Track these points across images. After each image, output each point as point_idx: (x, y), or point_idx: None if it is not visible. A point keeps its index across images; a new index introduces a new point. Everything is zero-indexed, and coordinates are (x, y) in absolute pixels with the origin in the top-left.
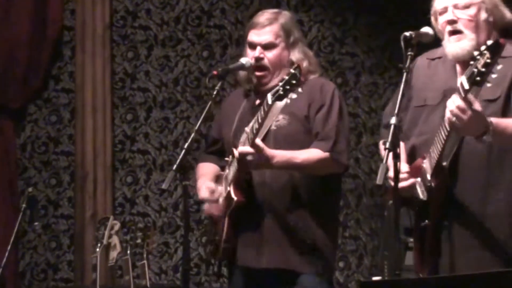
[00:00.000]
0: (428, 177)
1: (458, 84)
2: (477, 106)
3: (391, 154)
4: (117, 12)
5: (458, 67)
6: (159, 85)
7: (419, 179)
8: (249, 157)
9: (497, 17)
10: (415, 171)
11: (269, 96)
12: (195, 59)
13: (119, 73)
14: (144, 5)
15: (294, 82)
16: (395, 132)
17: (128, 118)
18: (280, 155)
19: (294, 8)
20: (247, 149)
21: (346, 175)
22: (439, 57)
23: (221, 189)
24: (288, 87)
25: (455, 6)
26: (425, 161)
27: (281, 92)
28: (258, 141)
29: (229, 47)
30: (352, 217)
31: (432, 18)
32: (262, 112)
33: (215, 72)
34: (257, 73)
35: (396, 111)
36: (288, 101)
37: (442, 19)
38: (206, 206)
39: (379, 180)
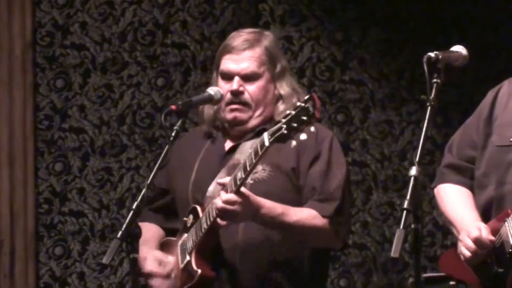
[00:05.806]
0: (510, 240)
1: None
2: None
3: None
4: (42, 27)
5: None
6: (98, 124)
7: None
8: (236, 207)
9: None
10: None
11: (266, 136)
12: (146, 89)
13: (44, 108)
14: (78, 17)
15: (305, 118)
16: (416, 187)
17: (56, 169)
18: (268, 206)
19: (280, 20)
20: (233, 197)
21: (350, 245)
22: None
23: (172, 259)
24: (295, 124)
25: None
26: (508, 219)
27: (285, 131)
28: (244, 189)
29: (192, 72)
30: None
31: None
32: (253, 156)
33: (173, 107)
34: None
35: (417, 159)
36: (294, 143)
37: None
38: (155, 283)
39: (394, 252)
